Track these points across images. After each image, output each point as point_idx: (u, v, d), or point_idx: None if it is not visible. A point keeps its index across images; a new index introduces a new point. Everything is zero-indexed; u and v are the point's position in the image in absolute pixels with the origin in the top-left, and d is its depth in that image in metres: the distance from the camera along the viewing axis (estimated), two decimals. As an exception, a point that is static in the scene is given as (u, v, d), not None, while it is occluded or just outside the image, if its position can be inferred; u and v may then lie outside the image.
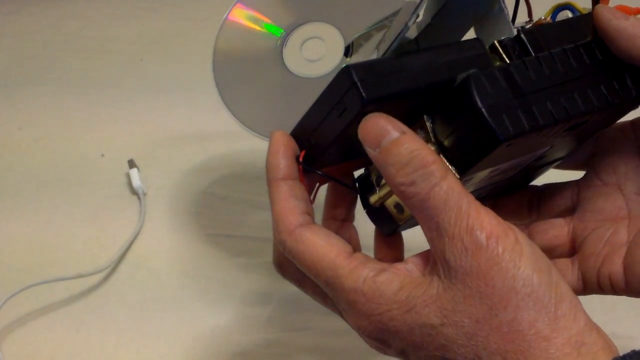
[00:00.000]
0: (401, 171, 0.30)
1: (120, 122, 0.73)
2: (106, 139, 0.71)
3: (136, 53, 0.83)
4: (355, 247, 0.35)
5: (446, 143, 0.32)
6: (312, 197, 0.35)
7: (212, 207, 0.64)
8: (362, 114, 0.31)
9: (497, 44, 0.34)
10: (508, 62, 0.34)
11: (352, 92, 0.30)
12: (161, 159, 0.68)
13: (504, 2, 0.36)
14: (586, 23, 0.36)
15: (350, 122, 0.31)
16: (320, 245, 0.32)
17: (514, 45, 0.34)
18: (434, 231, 0.30)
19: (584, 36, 0.36)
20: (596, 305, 0.41)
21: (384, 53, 0.33)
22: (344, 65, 0.31)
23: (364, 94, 0.30)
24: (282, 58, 0.47)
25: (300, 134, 0.34)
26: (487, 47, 0.35)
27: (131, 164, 0.66)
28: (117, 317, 0.54)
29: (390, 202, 0.35)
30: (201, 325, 0.53)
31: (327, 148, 0.33)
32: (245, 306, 0.55)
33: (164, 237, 0.61)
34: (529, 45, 0.34)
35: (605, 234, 0.38)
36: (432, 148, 0.32)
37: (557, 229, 0.40)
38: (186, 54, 0.80)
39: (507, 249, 0.29)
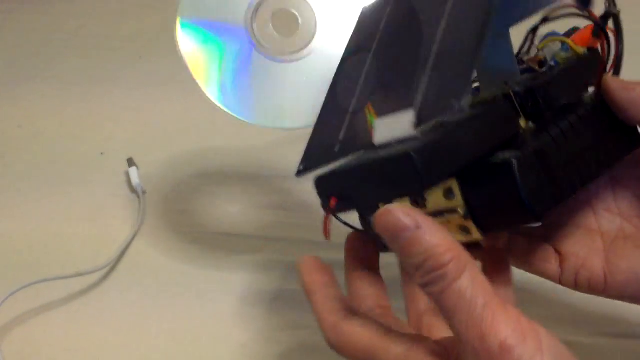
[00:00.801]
0: (418, 272, 0.30)
1: (119, 120, 0.73)
2: (105, 137, 0.71)
3: (135, 50, 0.83)
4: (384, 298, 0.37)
5: (476, 206, 0.34)
6: (327, 233, 0.35)
7: (212, 205, 0.64)
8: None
9: (513, 96, 0.36)
10: (524, 125, 0.36)
11: (413, 179, 0.31)
12: (160, 158, 0.68)
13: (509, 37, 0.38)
14: (585, 67, 0.39)
15: (400, 196, 0.33)
16: (362, 337, 0.33)
17: (527, 98, 0.36)
18: (452, 328, 0.30)
19: (585, 82, 0.38)
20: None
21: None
22: (407, 151, 0.31)
23: (424, 183, 0.31)
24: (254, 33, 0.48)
25: (333, 183, 0.35)
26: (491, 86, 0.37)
27: (130, 162, 0.66)
28: (116, 316, 0.54)
29: None
30: (200, 323, 0.53)
31: (362, 206, 0.35)
32: (244, 305, 0.55)
33: (163, 236, 0.61)
34: (542, 103, 0.36)
35: (583, 239, 0.40)
36: (460, 211, 0.34)
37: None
38: (185, 51, 0.80)
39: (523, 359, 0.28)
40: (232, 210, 0.63)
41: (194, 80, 0.53)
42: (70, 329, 0.53)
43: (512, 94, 0.36)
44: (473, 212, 0.34)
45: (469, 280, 0.29)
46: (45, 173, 0.67)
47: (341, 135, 0.38)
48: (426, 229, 0.30)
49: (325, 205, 0.35)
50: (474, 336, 0.28)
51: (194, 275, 0.57)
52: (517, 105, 0.36)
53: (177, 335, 0.53)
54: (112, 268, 0.58)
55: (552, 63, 0.40)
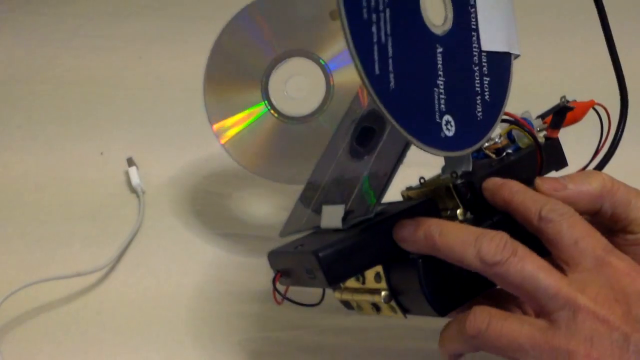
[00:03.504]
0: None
1: (119, 120, 0.73)
2: (105, 137, 0.71)
3: (135, 51, 0.83)
4: None
5: (398, 292, 0.38)
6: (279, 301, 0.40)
7: (211, 205, 0.64)
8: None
9: (452, 189, 0.39)
10: (460, 218, 0.39)
11: (320, 276, 0.36)
12: (160, 157, 0.68)
13: None
14: (532, 160, 0.41)
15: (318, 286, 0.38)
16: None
17: (467, 190, 0.39)
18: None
19: (531, 176, 0.40)
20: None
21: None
22: (314, 250, 0.35)
23: (328, 282, 0.36)
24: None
25: (278, 260, 0.40)
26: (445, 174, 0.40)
27: (130, 162, 0.66)
28: (115, 316, 0.54)
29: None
30: (200, 323, 0.53)
31: (301, 284, 0.38)
32: (244, 304, 0.55)
33: (163, 236, 0.61)
34: (480, 196, 0.39)
35: None
36: (384, 293, 0.38)
37: None
38: (185, 51, 0.80)
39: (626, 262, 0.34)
40: (232, 209, 0.63)
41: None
42: (70, 329, 0.53)
43: (451, 186, 0.39)
44: (394, 296, 0.38)
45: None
46: (44, 173, 0.67)
47: (311, 207, 0.42)
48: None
49: (273, 277, 0.40)
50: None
51: (193, 275, 0.57)
52: (456, 196, 0.39)
53: (176, 335, 0.53)
54: (112, 268, 0.58)
55: (511, 150, 0.43)
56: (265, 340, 0.52)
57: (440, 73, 0.36)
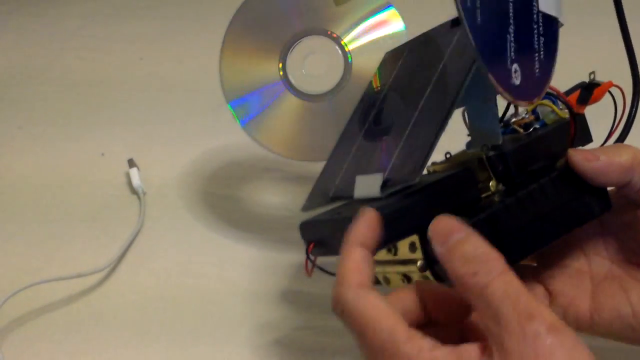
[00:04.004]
0: (466, 264, 0.32)
1: (120, 121, 0.73)
2: (106, 138, 0.71)
3: (136, 52, 0.83)
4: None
5: (432, 262, 0.37)
6: (307, 271, 0.40)
7: (212, 206, 0.64)
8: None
9: (485, 161, 0.40)
10: (492, 189, 0.40)
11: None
12: (161, 158, 0.68)
13: (495, 102, 0.41)
14: (559, 135, 0.42)
15: None
16: (383, 308, 0.33)
17: (499, 163, 0.40)
18: (491, 319, 0.31)
19: (559, 150, 0.41)
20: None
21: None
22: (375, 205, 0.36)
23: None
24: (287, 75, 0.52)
25: (312, 230, 0.40)
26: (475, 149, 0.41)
27: (131, 163, 0.66)
28: (116, 317, 0.54)
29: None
30: (201, 324, 0.53)
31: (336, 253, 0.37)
32: (246, 305, 0.55)
33: (164, 237, 0.61)
34: (512, 168, 0.40)
35: (572, 279, 0.43)
36: (420, 262, 0.38)
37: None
38: (186, 52, 0.80)
39: (566, 345, 0.29)
40: (232, 211, 0.63)
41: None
42: (71, 330, 0.53)
43: (484, 158, 0.40)
44: (430, 266, 0.38)
45: (515, 276, 0.32)
46: (45, 174, 0.67)
47: (337, 181, 0.42)
48: (475, 235, 0.34)
49: (306, 248, 0.40)
50: (522, 318, 0.30)
51: (194, 276, 0.57)
52: (489, 168, 0.40)
53: (177, 337, 0.53)
54: (113, 269, 0.58)
55: (538, 125, 0.43)
56: (266, 341, 0.52)
57: (511, 22, 0.37)
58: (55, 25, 0.87)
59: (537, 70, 0.39)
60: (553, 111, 0.43)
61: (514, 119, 0.44)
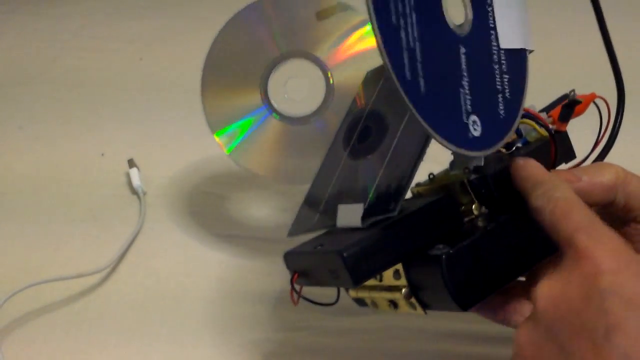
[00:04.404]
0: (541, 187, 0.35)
1: (120, 121, 0.73)
2: (106, 138, 0.71)
3: (136, 52, 0.83)
4: None
5: (419, 288, 0.38)
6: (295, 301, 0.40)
7: (212, 206, 0.64)
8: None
9: (467, 185, 0.39)
10: (475, 213, 0.40)
11: (345, 275, 0.35)
12: (161, 159, 0.68)
13: None
14: (542, 153, 0.41)
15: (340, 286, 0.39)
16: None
17: (481, 186, 0.39)
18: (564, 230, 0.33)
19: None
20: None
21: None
22: (339, 250, 0.35)
23: (353, 281, 0.36)
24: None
25: (295, 260, 0.40)
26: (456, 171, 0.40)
27: (131, 163, 0.66)
28: (117, 317, 0.54)
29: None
30: (201, 324, 0.53)
31: (320, 284, 0.38)
32: (246, 306, 0.55)
33: (164, 237, 0.61)
34: (494, 191, 0.39)
35: None
36: (404, 290, 0.38)
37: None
38: (186, 52, 0.80)
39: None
40: (232, 211, 0.63)
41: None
42: (71, 330, 0.53)
43: (466, 181, 0.39)
44: (414, 293, 0.38)
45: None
46: (45, 174, 0.67)
47: (321, 207, 0.42)
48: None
49: (291, 278, 0.39)
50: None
51: (194, 276, 0.57)
52: (471, 192, 0.39)
53: (177, 336, 0.53)
54: (113, 269, 0.58)
55: (520, 144, 0.43)
56: (266, 342, 0.52)
57: (465, 74, 0.36)
58: (55, 25, 0.87)
59: (502, 112, 0.38)
60: (535, 129, 0.43)
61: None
